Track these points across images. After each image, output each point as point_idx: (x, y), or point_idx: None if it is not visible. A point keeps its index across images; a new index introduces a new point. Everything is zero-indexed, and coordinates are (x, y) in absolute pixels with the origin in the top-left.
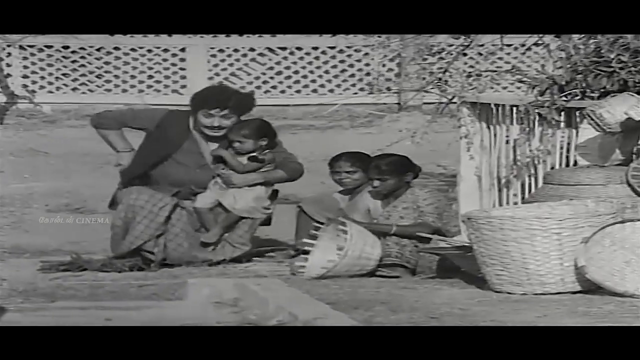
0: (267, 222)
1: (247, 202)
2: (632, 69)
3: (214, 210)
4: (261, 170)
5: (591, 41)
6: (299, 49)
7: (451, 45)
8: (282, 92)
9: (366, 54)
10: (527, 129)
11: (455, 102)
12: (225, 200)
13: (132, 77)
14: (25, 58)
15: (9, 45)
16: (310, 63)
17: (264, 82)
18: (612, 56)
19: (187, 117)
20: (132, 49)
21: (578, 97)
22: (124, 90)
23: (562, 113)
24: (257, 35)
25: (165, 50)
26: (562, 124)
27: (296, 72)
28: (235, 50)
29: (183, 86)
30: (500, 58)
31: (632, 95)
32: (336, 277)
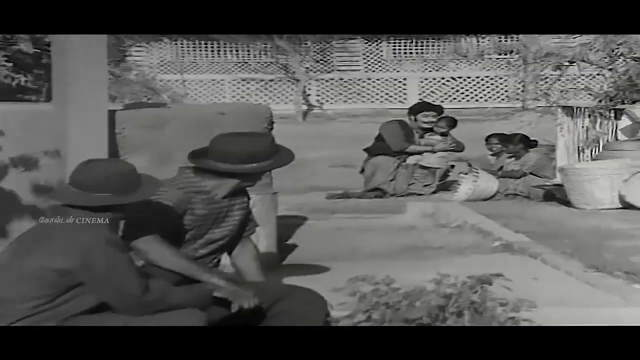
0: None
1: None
2: None
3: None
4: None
5: (624, 69)
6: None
7: (557, 70)
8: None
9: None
10: (594, 119)
11: (554, 106)
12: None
13: None
14: None
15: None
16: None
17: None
18: (637, 81)
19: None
20: None
21: (619, 102)
22: None
23: (613, 112)
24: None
25: None
26: (612, 118)
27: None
28: None
29: None
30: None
31: None
32: (477, 200)
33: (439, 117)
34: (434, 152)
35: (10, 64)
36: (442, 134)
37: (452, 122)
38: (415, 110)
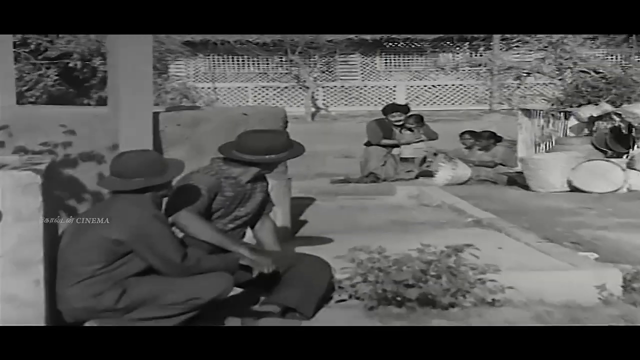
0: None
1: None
2: (593, 96)
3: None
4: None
5: (571, 79)
6: None
7: (517, 79)
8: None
9: None
10: (547, 120)
11: (515, 109)
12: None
13: None
14: None
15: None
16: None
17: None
18: (584, 88)
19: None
20: None
21: (568, 106)
22: None
23: (562, 113)
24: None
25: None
26: (562, 118)
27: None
28: None
29: None
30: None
31: (594, 104)
32: (454, 184)
33: (408, 115)
34: (407, 144)
35: (58, 77)
36: (409, 129)
37: (419, 119)
38: (386, 111)
